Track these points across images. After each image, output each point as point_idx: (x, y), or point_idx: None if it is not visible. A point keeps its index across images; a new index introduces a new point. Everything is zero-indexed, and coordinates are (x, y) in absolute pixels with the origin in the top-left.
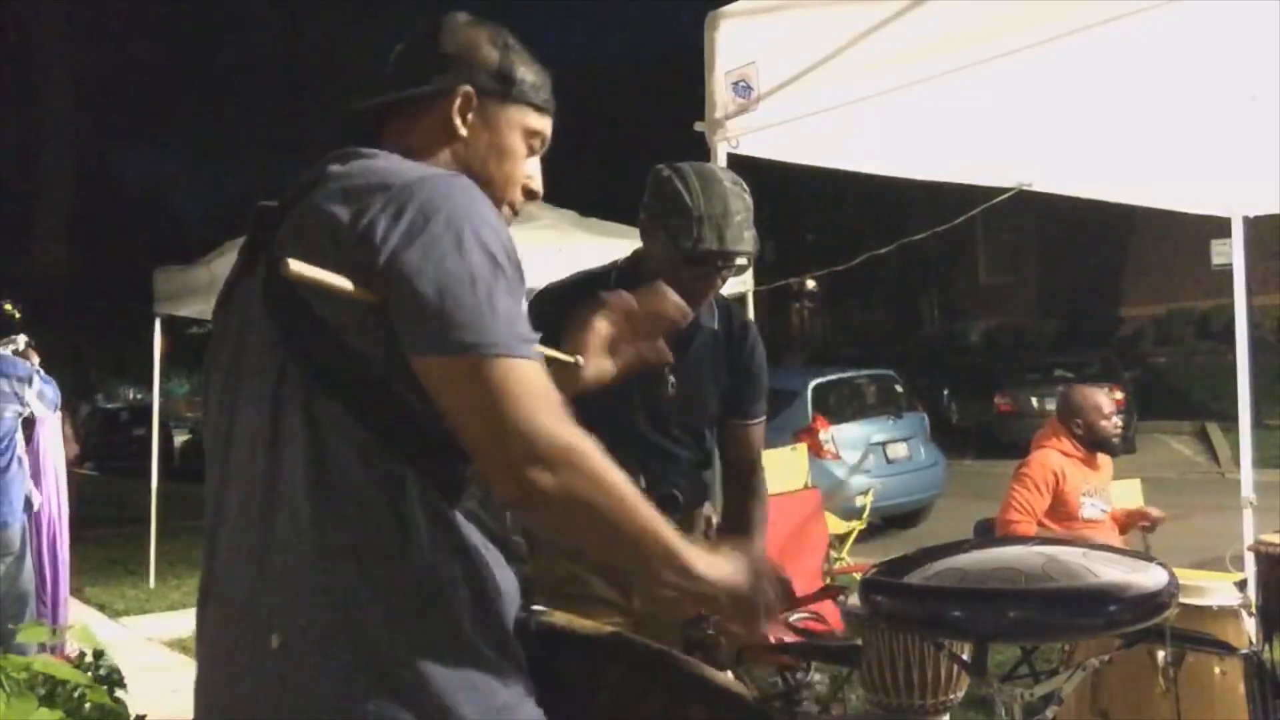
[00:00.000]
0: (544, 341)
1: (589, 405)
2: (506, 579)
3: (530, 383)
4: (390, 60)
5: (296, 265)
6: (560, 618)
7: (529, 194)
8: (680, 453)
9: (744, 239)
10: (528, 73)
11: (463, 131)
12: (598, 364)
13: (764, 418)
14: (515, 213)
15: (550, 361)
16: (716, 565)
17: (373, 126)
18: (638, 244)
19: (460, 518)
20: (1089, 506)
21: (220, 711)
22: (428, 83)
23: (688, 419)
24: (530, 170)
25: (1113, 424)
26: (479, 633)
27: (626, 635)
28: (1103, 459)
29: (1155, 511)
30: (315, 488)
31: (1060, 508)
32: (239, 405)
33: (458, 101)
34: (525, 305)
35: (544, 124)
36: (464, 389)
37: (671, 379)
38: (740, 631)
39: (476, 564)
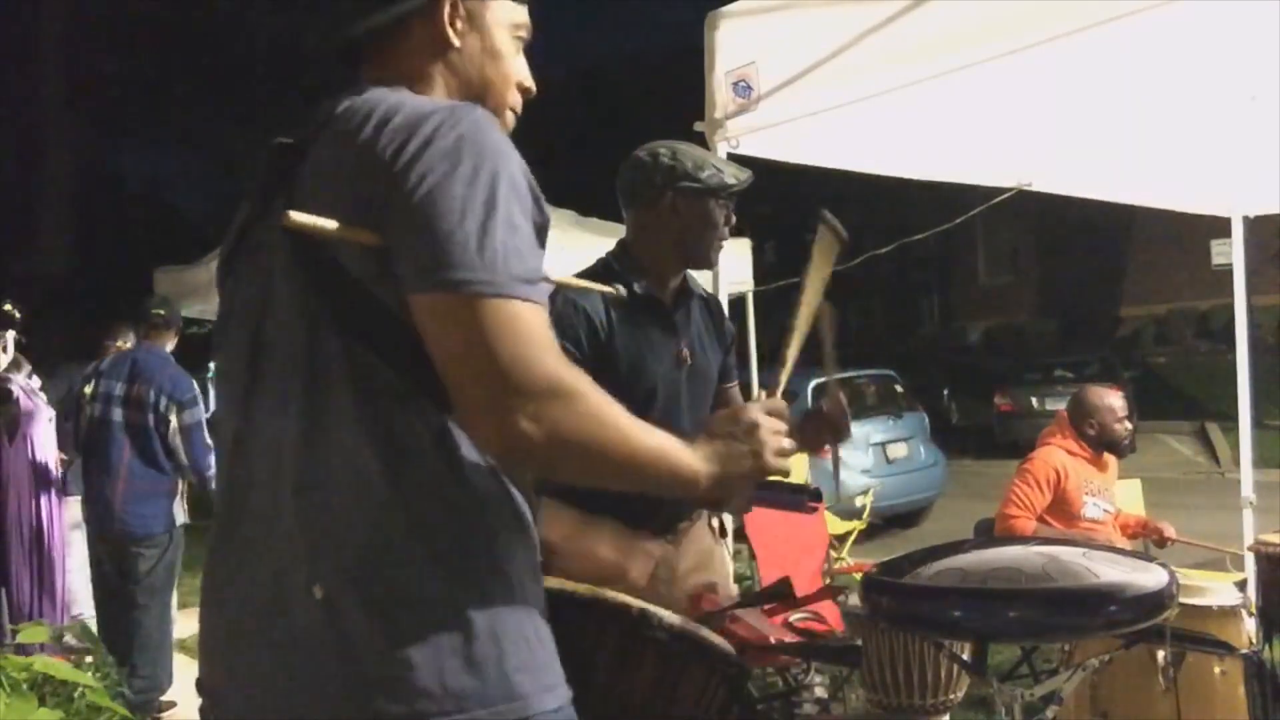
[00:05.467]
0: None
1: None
2: (533, 530)
3: (523, 326)
4: None
5: (297, 216)
6: (556, 581)
7: (524, 91)
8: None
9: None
10: None
11: (455, 42)
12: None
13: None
14: (517, 114)
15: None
16: (712, 457)
17: (355, 56)
18: None
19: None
20: (1092, 506)
21: (263, 668)
22: None
23: (696, 389)
24: (520, 68)
25: (1125, 427)
26: (522, 580)
27: (624, 597)
28: (1109, 459)
29: (1170, 530)
30: (359, 441)
31: (1063, 506)
32: (268, 360)
33: (446, 10)
34: (536, 244)
35: (524, 14)
36: (450, 329)
37: (685, 350)
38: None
39: (517, 512)
